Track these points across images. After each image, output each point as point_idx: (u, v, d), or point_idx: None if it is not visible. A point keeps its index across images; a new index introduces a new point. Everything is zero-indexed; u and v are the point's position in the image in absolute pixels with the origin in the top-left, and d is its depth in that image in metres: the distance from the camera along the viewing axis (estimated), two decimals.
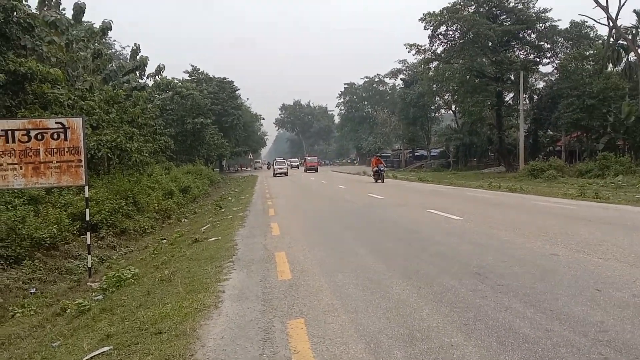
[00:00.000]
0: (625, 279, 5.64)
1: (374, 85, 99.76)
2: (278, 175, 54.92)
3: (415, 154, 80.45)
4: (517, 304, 4.93)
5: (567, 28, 45.36)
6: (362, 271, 6.80)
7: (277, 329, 4.71)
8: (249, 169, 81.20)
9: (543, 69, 49.50)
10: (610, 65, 41.09)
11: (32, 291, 10.05)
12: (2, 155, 10.17)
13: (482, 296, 5.26)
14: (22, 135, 10.28)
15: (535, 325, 4.32)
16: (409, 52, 54.12)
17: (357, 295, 5.62)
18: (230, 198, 26.39)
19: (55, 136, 10.40)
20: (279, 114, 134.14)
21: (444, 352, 3.87)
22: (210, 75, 74.32)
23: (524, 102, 44.21)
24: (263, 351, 4.17)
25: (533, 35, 45.60)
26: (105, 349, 4.74)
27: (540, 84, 50.95)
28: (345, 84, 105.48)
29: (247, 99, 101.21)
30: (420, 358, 3.78)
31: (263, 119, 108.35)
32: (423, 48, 50.80)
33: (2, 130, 10.23)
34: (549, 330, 4.19)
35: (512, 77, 45.43)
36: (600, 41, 43.66)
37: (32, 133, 10.32)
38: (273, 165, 62.74)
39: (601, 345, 3.82)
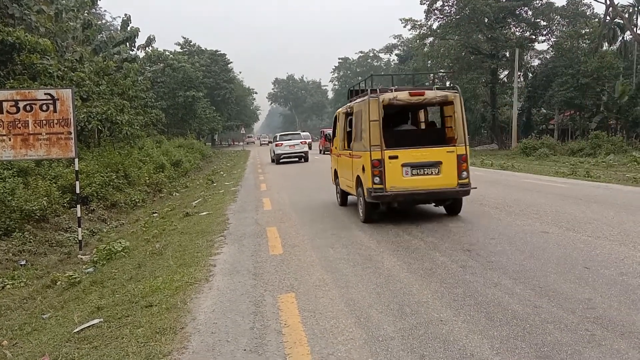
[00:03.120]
0: (614, 257, 5.69)
1: (369, 61, 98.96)
2: (285, 157, 29.66)
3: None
4: (506, 280, 4.97)
5: (563, 5, 44.95)
6: (352, 246, 6.82)
7: (268, 302, 4.73)
8: (242, 143, 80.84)
9: (538, 46, 49.25)
10: (606, 44, 40.90)
11: (22, 263, 10.01)
12: None
13: (471, 272, 5.29)
14: (10, 106, 10.10)
15: (524, 301, 4.36)
16: (404, 27, 53.44)
17: (348, 270, 5.64)
18: (222, 172, 26.30)
19: (44, 107, 10.23)
20: (272, 89, 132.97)
21: (433, 326, 3.90)
22: (203, 48, 73.35)
23: (519, 80, 44.06)
24: (254, 324, 4.19)
25: (529, 12, 45.17)
26: (96, 321, 4.74)
27: (535, 62, 50.68)
28: (339, 58, 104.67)
29: (240, 72, 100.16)
30: (410, 332, 3.81)
31: (256, 93, 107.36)
32: (419, 23, 50.31)
33: None
34: (538, 306, 4.23)
35: (508, 55, 45.13)
36: (596, 19, 43.36)
37: (21, 104, 10.14)
38: (273, 143, 31.99)
39: (588, 322, 3.86)
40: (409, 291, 4.80)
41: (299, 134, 34.87)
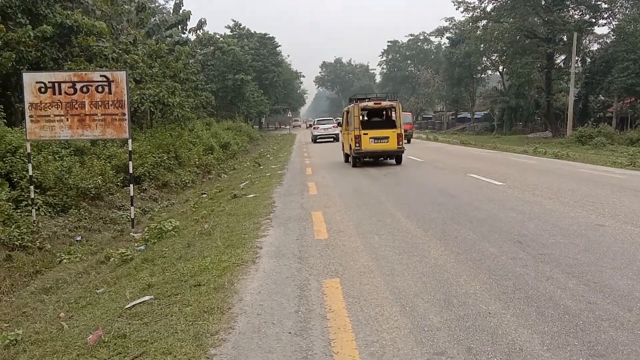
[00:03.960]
0: None
1: (419, 44, 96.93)
2: (320, 138, 37.71)
3: (458, 116, 78.57)
4: (559, 274, 4.80)
5: None
6: (399, 234, 6.76)
7: (313, 287, 4.74)
8: (288, 127, 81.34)
9: (598, 30, 47.12)
10: None
11: (78, 239, 10.45)
12: (50, 107, 10.42)
13: (522, 265, 5.14)
14: (69, 87, 10.48)
15: (577, 297, 4.21)
16: (457, 9, 52.25)
17: (394, 258, 5.59)
18: (268, 156, 26.56)
19: (100, 89, 10.56)
20: (319, 72, 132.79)
21: (481, 319, 3.82)
22: (252, 31, 73.85)
23: (576, 65, 42.23)
24: (299, 308, 4.22)
25: None
26: (147, 298, 4.89)
27: (595, 46, 48.37)
28: (388, 41, 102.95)
29: (288, 55, 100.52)
30: (457, 324, 3.74)
31: (303, 76, 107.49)
32: (472, 5, 48.82)
33: (49, 82, 10.44)
34: (592, 302, 4.06)
35: (565, 39, 43.27)
36: None
37: (78, 85, 10.50)
38: (312, 127, 41.06)
39: None
40: (457, 282, 4.71)
41: (332, 119, 42.66)
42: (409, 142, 29.96)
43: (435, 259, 5.50)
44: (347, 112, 18.08)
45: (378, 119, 18.33)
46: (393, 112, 17.19)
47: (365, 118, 18.12)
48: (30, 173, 10.58)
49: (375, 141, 16.40)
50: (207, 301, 4.43)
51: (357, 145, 16.32)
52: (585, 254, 5.48)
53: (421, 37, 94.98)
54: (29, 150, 10.70)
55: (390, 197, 10.16)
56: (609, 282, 4.53)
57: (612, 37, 43.97)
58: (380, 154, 16.95)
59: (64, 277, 7.74)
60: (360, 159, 16.96)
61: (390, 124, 17.02)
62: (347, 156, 18.50)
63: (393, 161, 17.49)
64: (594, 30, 46.05)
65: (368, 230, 7.09)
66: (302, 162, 20.06)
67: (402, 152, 16.79)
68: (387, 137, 16.47)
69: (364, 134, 16.28)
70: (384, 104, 17.56)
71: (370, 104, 17.36)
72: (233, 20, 73.95)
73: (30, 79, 10.50)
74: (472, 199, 9.55)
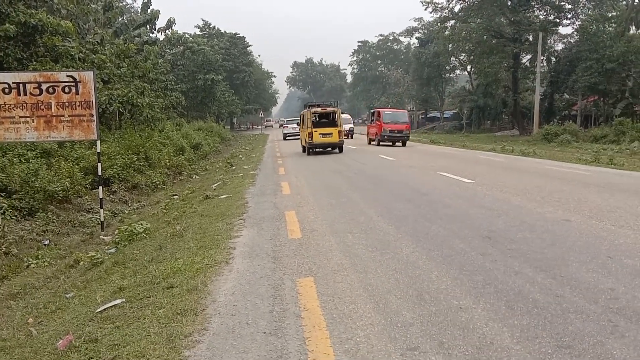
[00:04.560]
0: (638, 247, 5.60)
1: (389, 44, 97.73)
2: (289, 136, 42.51)
3: (428, 116, 79.58)
4: (527, 268, 4.93)
5: None
6: (372, 232, 6.82)
7: (287, 286, 4.75)
8: (260, 127, 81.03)
9: (562, 30, 48.28)
10: (633, 27, 39.84)
11: (46, 243, 10.21)
12: (14, 108, 10.16)
13: (492, 260, 5.25)
14: (34, 88, 10.23)
15: (545, 290, 4.32)
16: (425, 9, 52.93)
17: (367, 256, 5.65)
18: (240, 156, 26.43)
19: (66, 90, 10.34)
20: (291, 72, 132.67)
21: (452, 314, 3.89)
22: (222, 31, 73.30)
23: (541, 65, 43.23)
24: (273, 307, 4.22)
25: None
26: (118, 301, 4.83)
27: (559, 46, 49.65)
28: (359, 42, 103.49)
29: (259, 55, 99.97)
30: (429, 319, 3.81)
31: (274, 76, 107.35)
32: (440, 6, 49.60)
33: (13, 82, 10.17)
34: (559, 295, 4.19)
35: (531, 39, 44.26)
36: (623, 2, 42.22)
37: (44, 86, 10.26)
38: (283, 126, 45.06)
39: (611, 312, 3.81)
40: (428, 278, 4.79)
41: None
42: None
43: (407, 255, 5.57)
44: (303, 115, 24.64)
45: (325, 120, 24.07)
46: (335, 115, 23.62)
47: (316, 119, 23.84)
48: None
49: (323, 136, 22.75)
50: (180, 303, 4.40)
51: (310, 139, 22.62)
52: (552, 248, 5.63)
53: (391, 38, 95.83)
54: None
55: (363, 196, 10.24)
56: (575, 276, 4.67)
57: (576, 37, 45.21)
58: (327, 145, 23.24)
59: (32, 282, 7.56)
60: (312, 149, 23.09)
61: (334, 124, 23.39)
62: (304, 148, 24.31)
63: (362, 161, 18.42)
64: (559, 30, 47.29)
65: (341, 228, 7.13)
66: (275, 162, 20.02)
67: (342, 143, 23.43)
68: (331, 133, 22.90)
69: (315, 131, 22.63)
70: (329, 109, 24.18)
71: (319, 109, 24.02)
72: (203, 20, 73.47)
73: None
74: (442, 196, 9.69)
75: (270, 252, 6.00)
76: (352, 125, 42.40)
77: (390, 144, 29.17)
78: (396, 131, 28.95)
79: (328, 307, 4.16)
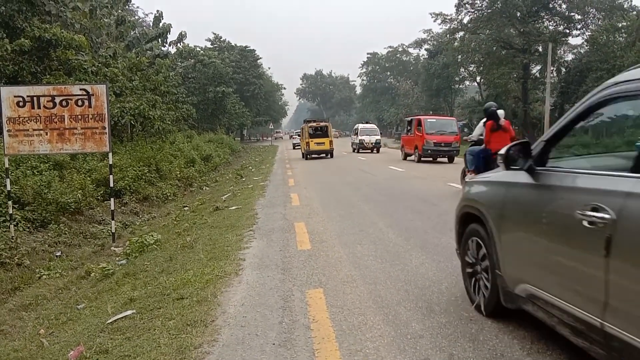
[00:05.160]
0: None
1: (398, 56, 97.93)
2: (297, 146, 43.82)
3: None
4: None
5: None
6: (381, 243, 6.81)
7: (297, 297, 4.76)
8: (270, 138, 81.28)
9: (572, 40, 48.03)
10: None
11: (58, 254, 10.30)
12: (28, 121, 10.31)
13: None
14: (47, 101, 10.39)
15: None
16: (434, 21, 52.99)
17: (376, 267, 5.64)
18: (250, 167, 26.54)
19: (79, 103, 10.49)
20: (300, 84, 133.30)
21: (462, 325, 3.87)
22: (233, 44, 73.94)
23: (551, 75, 43.08)
24: (282, 319, 4.23)
25: (564, 6, 44.12)
26: (129, 312, 4.86)
27: (569, 57, 49.47)
28: (368, 53, 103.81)
29: (269, 68, 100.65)
30: (439, 331, 3.79)
31: (284, 88, 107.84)
32: (449, 17, 49.63)
33: (28, 96, 10.34)
34: None
35: (540, 49, 44.18)
36: (634, 12, 42.03)
37: (57, 99, 10.42)
38: (292, 137, 49.62)
39: None
40: (438, 289, 4.77)
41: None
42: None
43: (416, 267, 5.56)
44: (302, 128, 32.84)
45: (319, 132, 30.66)
46: (327, 128, 30.67)
47: (312, 131, 30.62)
48: (9, 188, 10.43)
49: (317, 145, 30.10)
50: (190, 314, 4.42)
51: (307, 147, 30.15)
52: None
53: (400, 49, 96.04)
54: (7, 165, 10.55)
55: (372, 207, 10.23)
56: None
57: (586, 48, 45.01)
58: (320, 151, 30.20)
59: (44, 293, 7.63)
60: (309, 155, 30.07)
61: (326, 135, 30.38)
62: (302, 154, 31.35)
63: (371, 172, 18.59)
64: (568, 41, 47.10)
65: (350, 240, 7.13)
66: (285, 174, 20.08)
67: (332, 150, 30.40)
68: (324, 142, 30.15)
69: (311, 140, 30.12)
70: (322, 124, 31.60)
71: (314, 124, 31.51)
72: (213, 33, 74.00)
73: (8, 93, 10.37)
74: (452, 207, 9.63)
75: (280, 264, 6.02)
76: (379, 137, 35.99)
77: (431, 159, 23.90)
78: (443, 144, 23.32)
79: (337, 318, 4.16)
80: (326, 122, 31.69)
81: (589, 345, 2.79)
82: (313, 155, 29.97)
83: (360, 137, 35.62)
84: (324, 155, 30.23)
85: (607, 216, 2.53)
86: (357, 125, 39.60)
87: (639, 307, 2.34)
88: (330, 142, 29.96)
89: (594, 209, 2.61)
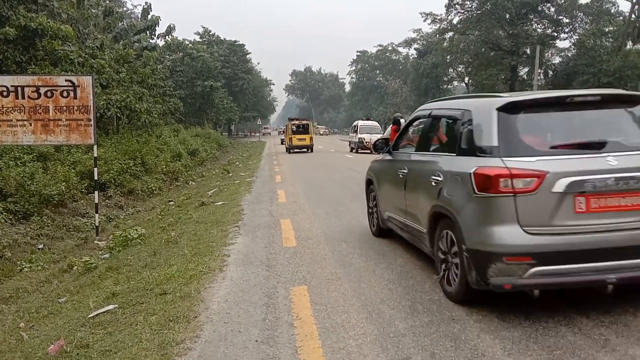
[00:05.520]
0: None
1: (387, 54, 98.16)
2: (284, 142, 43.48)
3: None
4: None
5: (587, 2, 44.25)
6: (366, 241, 6.83)
7: (281, 294, 4.76)
8: (258, 134, 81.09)
9: (560, 44, 48.58)
10: (630, 42, 40.16)
11: (40, 247, 10.20)
12: (12, 111, 10.18)
13: None
14: (32, 91, 10.26)
15: (538, 303, 4.32)
16: (424, 21, 53.05)
17: (361, 265, 5.65)
18: (237, 163, 26.44)
19: (64, 94, 10.37)
20: (290, 80, 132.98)
21: (444, 325, 3.89)
22: (222, 38, 73.56)
23: (539, 78, 43.51)
24: (266, 316, 4.22)
25: (552, 9, 44.58)
26: (111, 307, 4.82)
27: (557, 60, 50.00)
28: (357, 51, 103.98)
29: (258, 63, 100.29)
30: (422, 330, 3.81)
31: (273, 84, 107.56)
32: (439, 17, 49.93)
33: (12, 86, 10.21)
34: (552, 308, 4.19)
35: (528, 52, 44.60)
36: (621, 17, 42.59)
37: (42, 90, 10.30)
38: (281, 133, 50.50)
39: (603, 326, 3.82)
40: (422, 288, 4.79)
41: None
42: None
43: (401, 265, 5.58)
44: (286, 125, 36.37)
45: (301, 129, 33.77)
46: (308, 126, 34.33)
47: (295, 129, 33.67)
48: None
49: (299, 140, 33.16)
50: (172, 310, 4.39)
51: (290, 142, 33.53)
52: None
53: (389, 48, 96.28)
54: None
55: (359, 205, 10.23)
56: (568, 289, 4.66)
57: (573, 51, 45.51)
58: (301, 146, 33.33)
59: (25, 286, 7.54)
60: (291, 150, 33.30)
61: (307, 132, 33.63)
62: (286, 148, 34.60)
63: (359, 170, 18.25)
64: (556, 44, 47.61)
65: (336, 237, 7.14)
66: (272, 170, 20.04)
67: (312, 146, 33.58)
68: (304, 138, 33.25)
69: (294, 136, 33.27)
70: (303, 122, 35.37)
71: (297, 122, 35.20)
72: (202, 27, 73.54)
73: None
74: None
75: (265, 260, 6.01)
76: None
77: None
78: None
79: (321, 316, 4.16)
80: (307, 121, 35.64)
81: (404, 234, 5.88)
82: (295, 150, 33.12)
83: (359, 136, 32.23)
84: (305, 150, 33.28)
85: (405, 171, 5.63)
86: (356, 122, 36.67)
87: (413, 211, 5.34)
88: (311, 138, 33.38)
89: (402, 169, 5.71)
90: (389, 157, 6.50)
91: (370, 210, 7.35)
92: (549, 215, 3.83)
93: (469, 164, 4.18)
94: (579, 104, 4.38)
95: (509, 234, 3.85)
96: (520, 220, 3.85)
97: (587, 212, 3.85)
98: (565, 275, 3.83)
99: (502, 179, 3.87)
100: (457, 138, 4.67)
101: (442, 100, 5.97)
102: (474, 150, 4.30)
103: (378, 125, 37.38)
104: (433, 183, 4.75)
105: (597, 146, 4.07)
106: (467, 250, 4.07)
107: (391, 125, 15.14)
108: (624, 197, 3.86)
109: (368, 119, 39.30)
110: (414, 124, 6.19)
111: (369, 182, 7.37)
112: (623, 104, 4.54)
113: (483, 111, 4.44)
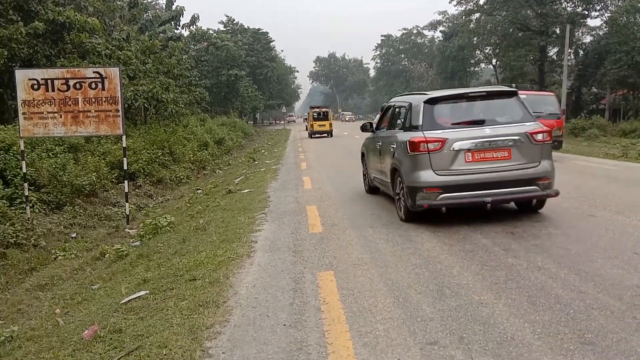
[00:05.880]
0: None
1: (412, 38, 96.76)
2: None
3: None
4: (550, 264, 4.86)
5: None
6: (392, 226, 6.80)
7: (307, 279, 4.79)
8: (282, 122, 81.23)
9: (591, 22, 47.05)
10: None
11: (73, 236, 10.46)
12: (43, 104, 10.40)
13: (514, 255, 5.19)
14: (62, 84, 10.45)
15: (568, 286, 4.26)
16: (450, 2, 51.94)
17: (387, 250, 5.64)
18: (263, 151, 26.56)
19: (93, 85, 10.53)
20: (314, 67, 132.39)
21: (473, 309, 3.87)
22: (245, 26, 73.64)
23: (569, 58, 42.29)
24: (293, 300, 4.26)
25: None
26: (142, 293, 4.92)
27: (587, 39, 48.43)
28: (382, 35, 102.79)
29: (282, 50, 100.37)
30: (449, 314, 3.79)
31: (297, 71, 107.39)
32: None
33: (42, 79, 10.41)
34: (582, 292, 4.12)
35: (558, 31, 43.32)
36: None
37: (71, 82, 10.48)
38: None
39: (636, 309, 3.74)
40: (449, 273, 4.76)
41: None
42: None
43: (428, 250, 5.55)
44: (308, 113, 38.85)
45: (322, 116, 36.24)
46: (327, 113, 36.67)
47: (316, 115, 36.16)
48: (24, 170, 10.56)
49: (319, 126, 35.70)
50: (202, 295, 4.47)
51: (312, 128, 36.13)
52: (577, 244, 5.54)
53: (414, 31, 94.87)
54: (22, 148, 10.67)
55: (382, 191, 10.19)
56: (599, 272, 4.59)
57: (605, 29, 44.02)
58: (321, 132, 35.79)
59: (59, 274, 7.76)
60: (313, 135, 35.75)
61: (326, 119, 36.07)
62: (308, 134, 37.36)
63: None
64: (587, 23, 46.11)
65: (362, 223, 7.13)
66: (297, 157, 20.08)
67: (332, 131, 35.86)
68: (324, 124, 35.73)
69: (315, 123, 35.85)
70: (323, 109, 37.56)
71: (317, 109, 37.15)
72: (226, 16, 73.65)
73: (22, 76, 10.46)
74: None
75: (291, 246, 6.04)
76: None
77: None
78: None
79: (348, 300, 4.17)
80: (327, 108, 38.28)
81: (381, 187, 8.54)
82: (316, 135, 35.62)
83: None
84: (325, 135, 35.69)
85: (380, 143, 8.25)
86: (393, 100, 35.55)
87: (385, 170, 7.81)
88: (330, 124, 35.88)
89: (378, 142, 8.35)
90: (372, 135, 9.23)
91: (364, 175, 10.02)
92: (449, 163, 6.39)
93: (407, 136, 6.76)
94: (472, 97, 7.12)
95: (426, 176, 6.41)
96: (433, 167, 6.39)
97: (473, 161, 6.41)
98: (460, 198, 6.45)
99: (422, 144, 6.42)
100: (404, 120, 7.36)
101: (400, 95, 9.06)
102: (410, 127, 6.94)
103: None
104: (392, 149, 7.35)
105: (479, 123, 6.76)
106: (406, 187, 6.67)
107: (379, 112, 16.45)
108: (494, 152, 6.42)
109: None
110: (386, 112, 8.97)
111: (362, 155, 10.05)
112: (502, 96, 7.20)
113: (416, 103, 7.00)
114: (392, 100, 8.91)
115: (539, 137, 6.60)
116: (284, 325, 3.77)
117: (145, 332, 3.86)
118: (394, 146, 7.17)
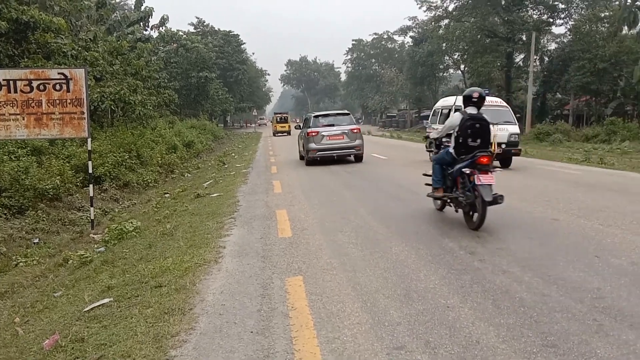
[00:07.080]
0: (625, 247, 5.64)
1: (383, 43, 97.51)
2: (279, 134, 50.52)
3: (422, 115, 79.57)
4: (514, 268, 4.95)
5: None
6: (362, 231, 6.83)
7: (276, 285, 4.76)
8: (253, 125, 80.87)
9: (556, 30, 48.32)
10: (625, 28, 39.94)
11: (35, 241, 10.16)
12: (4, 106, 10.10)
13: (479, 259, 5.27)
14: (24, 85, 10.18)
15: (531, 289, 4.35)
16: (419, 8, 52.58)
17: (356, 255, 5.65)
18: (233, 154, 26.38)
19: (57, 87, 10.29)
20: (285, 70, 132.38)
21: (439, 313, 3.90)
22: (216, 28, 73.06)
23: (534, 64, 43.32)
24: (261, 307, 4.22)
25: None
26: (106, 300, 4.81)
27: (552, 46, 49.74)
28: (353, 40, 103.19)
29: (253, 53, 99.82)
30: (416, 318, 3.82)
31: (268, 74, 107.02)
32: (434, 5, 49.60)
33: (4, 79, 10.12)
34: (546, 295, 4.21)
35: (524, 38, 44.34)
36: (616, 2, 42.36)
37: (34, 83, 10.21)
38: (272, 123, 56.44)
39: (597, 311, 3.84)
40: (417, 277, 4.80)
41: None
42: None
43: (396, 254, 5.58)
44: (273, 117, 53.72)
45: (283, 120, 49.46)
46: (287, 118, 50.41)
47: (278, 119, 49.30)
48: None
49: (281, 127, 48.57)
50: (168, 302, 4.39)
51: (275, 129, 49.01)
52: (540, 247, 5.66)
53: (385, 36, 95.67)
54: None
55: (354, 194, 10.24)
56: (562, 275, 4.69)
57: (569, 37, 45.32)
58: (282, 132, 47.67)
59: (20, 281, 7.52)
60: (275, 134, 46.88)
61: (286, 122, 49.33)
62: (272, 133, 48.42)
63: (351, 158, 17.82)
64: (552, 30, 47.39)
65: (332, 227, 7.14)
66: (268, 161, 20.00)
67: (290, 131, 45.11)
68: (285, 126, 48.39)
69: (277, 125, 49.14)
70: (284, 115, 51.64)
71: (280, 114, 51.47)
72: (197, 17, 73.12)
73: None
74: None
75: (260, 251, 6.00)
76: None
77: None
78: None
79: (316, 306, 4.16)
80: (286, 114, 52.74)
81: (303, 153, 18.38)
82: (278, 134, 47.33)
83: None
84: (285, 134, 46.85)
85: (301, 135, 19.24)
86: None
87: (303, 148, 18.11)
88: (289, 126, 46.89)
89: (301, 134, 19.39)
90: (300, 131, 19.25)
91: (299, 152, 19.03)
92: (320, 141, 16.44)
93: (307, 130, 16.92)
94: (332, 115, 17.99)
95: (313, 145, 16.47)
96: (314, 142, 16.47)
97: (329, 140, 16.50)
98: (324, 153, 16.57)
99: (312, 133, 16.52)
100: (307, 123, 17.88)
101: (311, 113, 19.23)
102: (308, 126, 17.09)
103: (352, 118, 38.55)
104: (304, 135, 17.44)
105: (332, 125, 16.92)
106: (305, 150, 16.98)
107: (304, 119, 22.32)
108: (337, 138, 16.56)
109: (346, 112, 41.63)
110: (306, 120, 18.63)
111: (299, 139, 19.26)
112: (343, 114, 18.29)
113: (311, 116, 17.72)
114: (306, 115, 20.14)
115: (355, 130, 16.80)
116: (251, 332, 3.73)
117: (109, 341, 3.77)
118: (304, 134, 17.31)
